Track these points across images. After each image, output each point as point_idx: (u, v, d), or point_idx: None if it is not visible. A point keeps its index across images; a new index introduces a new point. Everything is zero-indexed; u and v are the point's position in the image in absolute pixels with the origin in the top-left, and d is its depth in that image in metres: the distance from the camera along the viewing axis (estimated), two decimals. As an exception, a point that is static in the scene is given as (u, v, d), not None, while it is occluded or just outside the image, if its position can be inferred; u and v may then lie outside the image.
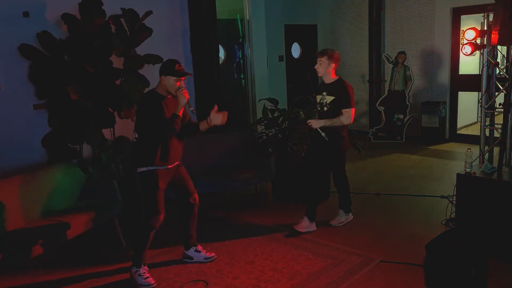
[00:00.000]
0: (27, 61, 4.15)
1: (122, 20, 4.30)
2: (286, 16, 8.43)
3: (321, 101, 4.07)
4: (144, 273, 3.41)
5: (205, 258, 3.71)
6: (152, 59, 4.43)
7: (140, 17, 4.29)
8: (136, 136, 3.39)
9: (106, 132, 4.53)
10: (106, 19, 4.23)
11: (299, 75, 8.42)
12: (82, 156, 4.48)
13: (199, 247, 3.75)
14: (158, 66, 4.59)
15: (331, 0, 9.05)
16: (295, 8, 8.63)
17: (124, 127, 4.75)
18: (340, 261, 3.62)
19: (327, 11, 9.13)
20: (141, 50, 4.50)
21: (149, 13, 4.30)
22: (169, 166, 3.39)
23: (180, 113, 3.26)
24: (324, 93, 4.04)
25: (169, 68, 3.24)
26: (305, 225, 4.21)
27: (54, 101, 4.26)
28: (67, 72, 4.06)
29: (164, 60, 3.36)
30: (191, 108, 3.37)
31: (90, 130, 4.24)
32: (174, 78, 3.22)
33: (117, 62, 4.39)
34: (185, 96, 3.23)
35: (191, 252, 3.73)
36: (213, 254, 3.77)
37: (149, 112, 3.23)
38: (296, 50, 8.90)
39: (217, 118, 3.36)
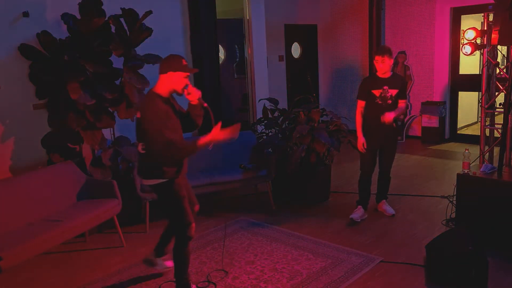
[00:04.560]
0: (27, 61, 4.15)
1: (122, 20, 4.30)
2: (286, 16, 8.43)
3: (382, 95, 4.19)
4: None
5: (166, 268, 3.50)
6: (152, 59, 4.43)
7: (140, 17, 4.29)
8: (144, 146, 2.92)
9: (106, 132, 4.53)
10: (106, 19, 4.23)
11: (299, 75, 8.46)
12: (82, 156, 4.48)
13: (168, 257, 3.47)
14: (158, 66, 4.65)
15: (331, 0, 9.05)
16: (295, 8, 8.64)
17: (124, 127, 4.75)
18: (340, 261, 3.62)
19: (327, 11, 9.13)
20: (141, 50, 4.50)
21: (149, 13, 4.30)
22: (183, 173, 3.10)
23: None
24: (386, 87, 4.18)
25: (178, 63, 2.89)
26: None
27: (54, 101, 4.27)
28: (67, 72, 4.06)
29: (166, 57, 2.97)
30: (205, 104, 2.99)
31: (90, 130, 4.23)
32: (184, 74, 2.90)
33: (117, 62, 4.39)
34: (198, 92, 2.94)
35: (158, 259, 3.47)
36: (171, 263, 3.41)
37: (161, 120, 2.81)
38: (296, 50, 8.90)
39: (221, 135, 2.86)
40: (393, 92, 4.19)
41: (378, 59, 4.14)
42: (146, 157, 2.94)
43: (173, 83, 2.90)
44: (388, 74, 4.22)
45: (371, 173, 4.47)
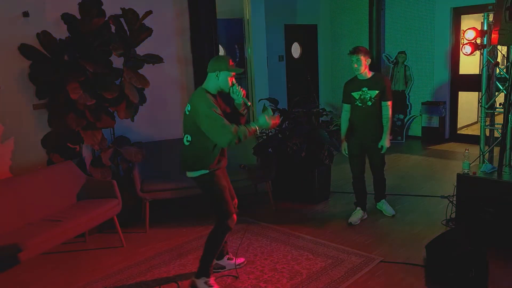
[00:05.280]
0: (27, 61, 4.14)
1: (122, 20, 4.30)
2: (286, 16, 8.43)
3: (361, 96, 4.16)
4: (214, 284, 3.22)
5: (237, 265, 3.56)
6: (152, 59, 4.43)
7: (140, 17, 4.29)
8: (189, 139, 3.10)
9: (106, 132, 4.53)
10: (106, 19, 4.23)
11: (299, 75, 8.46)
12: (82, 156, 4.48)
13: (231, 255, 3.63)
14: (158, 66, 4.65)
15: (331, 0, 9.05)
16: (295, 8, 8.63)
17: (124, 127, 4.75)
18: (340, 261, 3.62)
19: (327, 11, 9.13)
20: (141, 50, 4.50)
21: (149, 13, 4.30)
22: (223, 167, 3.27)
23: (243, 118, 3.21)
24: (365, 89, 4.13)
25: (225, 63, 3.06)
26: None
27: (54, 101, 4.26)
28: (67, 72, 4.06)
29: (215, 57, 3.18)
30: (249, 103, 3.20)
31: (90, 130, 4.23)
32: (229, 74, 3.07)
33: (117, 62, 4.39)
34: (242, 92, 3.12)
35: (224, 261, 3.56)
36: (243, 259, 3.68)
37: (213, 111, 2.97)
38: (296, 50, 8.90)
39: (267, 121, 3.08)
40: (373, 93, 4.13)
41: (353, 59, 4.10)
42: (190, 149, 3.12)
43: (220, 81, 3.08)
44: (367, 75, 4.17)
45: (362, 174, 4.46)
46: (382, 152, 4.24)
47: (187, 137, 3.12)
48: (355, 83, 4.23)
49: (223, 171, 3.30)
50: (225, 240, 3.42)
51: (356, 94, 4.19)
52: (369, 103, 4.15)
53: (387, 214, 4.53)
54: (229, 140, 2.94)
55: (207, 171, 3.12)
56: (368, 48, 8.21)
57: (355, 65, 4.10)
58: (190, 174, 3.19)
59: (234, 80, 3.12)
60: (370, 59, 4.15)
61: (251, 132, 3.06)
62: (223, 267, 3.55)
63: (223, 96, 3.23)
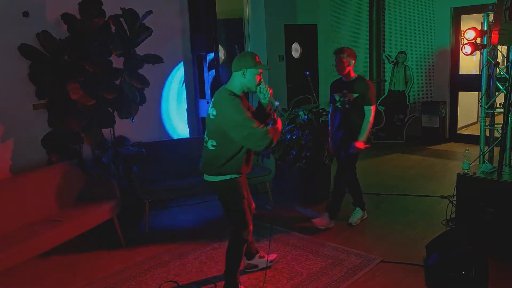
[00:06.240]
0: (27, 61, 4.15)
1: (122, 20, 4.30)
2: (286, 16, 8.43)
3: (341, 99, 4.09)
4: None
5: (270, 262, 3.53)
6: (152, 59, 4.43)
7: (140, 17, 4.29)
8: (214, 144, 2.94)
9: (106, 132, 4.53)
10: (106, 19, 4.23)
11: (299, 75, 8.45)
12: (82, 156, 4.48)
13: (262, 253, 3.55)
14: (158, 66, 4.65)
15: (331, 0, 9.04)
16: (295, 8, 8.63)
17: (124, 127, 4.75)
18: (340, 261, 3.62)
19: (327, 11, 9.13)
20: (141, 50, 4.50)
21: (149, 13, 4.30)
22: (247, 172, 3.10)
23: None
24: (345, 91, 4.06)
25: (251, 60, 2.87)
26: (326, 222, 4.26)
27: (54, 101, 4.27)
28: (67, 72, 4.06)
29: (240, 54, 3.00)
30: (277, 104, 2.94)
31: (90, 130, 4.23)
32: (256, 72, 2.87)
33: (117, 62, 4.39)
34: (269, 91, 2.90)
35: (255, 260, 3.52)
36: (275, 255, 3.64)
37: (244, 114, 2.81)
38: (296, 50, 8.90)
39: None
40: (351, 96, 4.02)
41: (335, 60, 4.02)
42: (215, 154, 2.94)
43: (247, 80, 2.89)
44: (349, 77, 4.06)
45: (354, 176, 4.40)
46: (350, 151, 4.06)
47: (212, 142, 2.93)
48: (338, 84, 4.17)
49: (244, 178, 3.13)
50: (250, 241, 3.36)
51: (337, 96, 4.14)
52: (347, 106, 4.06)
53: (317, 224, 4.26)
54: (265, 145, 2.80)
55: (229, 177, 2.96)
56: (368, 48, 8.29)
57: (337, 66, 4.01)
58: (210, 178, 3.02)
59: (261, 78, 2.93)
60: (353, 62, 4.02)
61: (280, 125, 2.92)
62: (255, 266, 3.51)
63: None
